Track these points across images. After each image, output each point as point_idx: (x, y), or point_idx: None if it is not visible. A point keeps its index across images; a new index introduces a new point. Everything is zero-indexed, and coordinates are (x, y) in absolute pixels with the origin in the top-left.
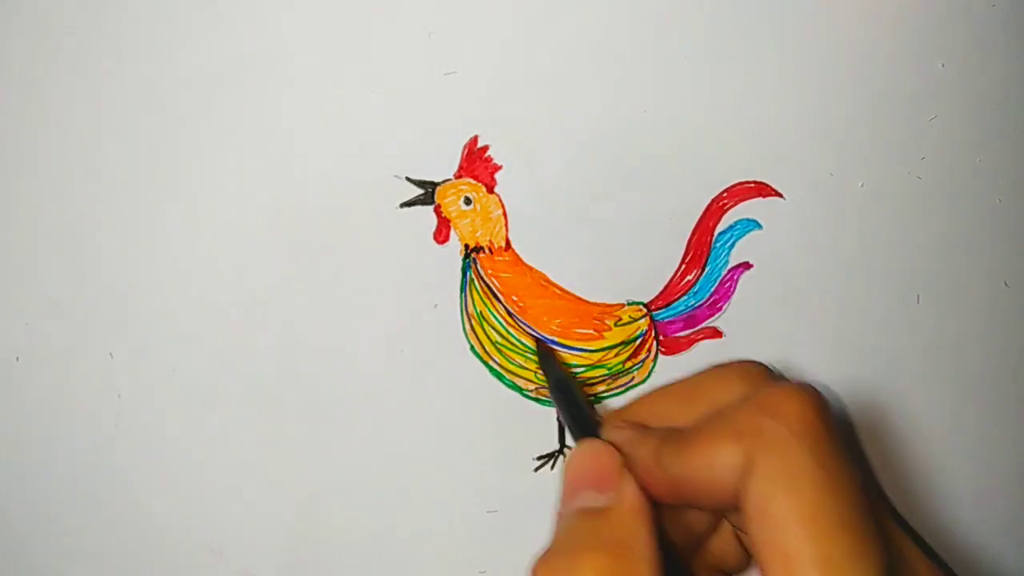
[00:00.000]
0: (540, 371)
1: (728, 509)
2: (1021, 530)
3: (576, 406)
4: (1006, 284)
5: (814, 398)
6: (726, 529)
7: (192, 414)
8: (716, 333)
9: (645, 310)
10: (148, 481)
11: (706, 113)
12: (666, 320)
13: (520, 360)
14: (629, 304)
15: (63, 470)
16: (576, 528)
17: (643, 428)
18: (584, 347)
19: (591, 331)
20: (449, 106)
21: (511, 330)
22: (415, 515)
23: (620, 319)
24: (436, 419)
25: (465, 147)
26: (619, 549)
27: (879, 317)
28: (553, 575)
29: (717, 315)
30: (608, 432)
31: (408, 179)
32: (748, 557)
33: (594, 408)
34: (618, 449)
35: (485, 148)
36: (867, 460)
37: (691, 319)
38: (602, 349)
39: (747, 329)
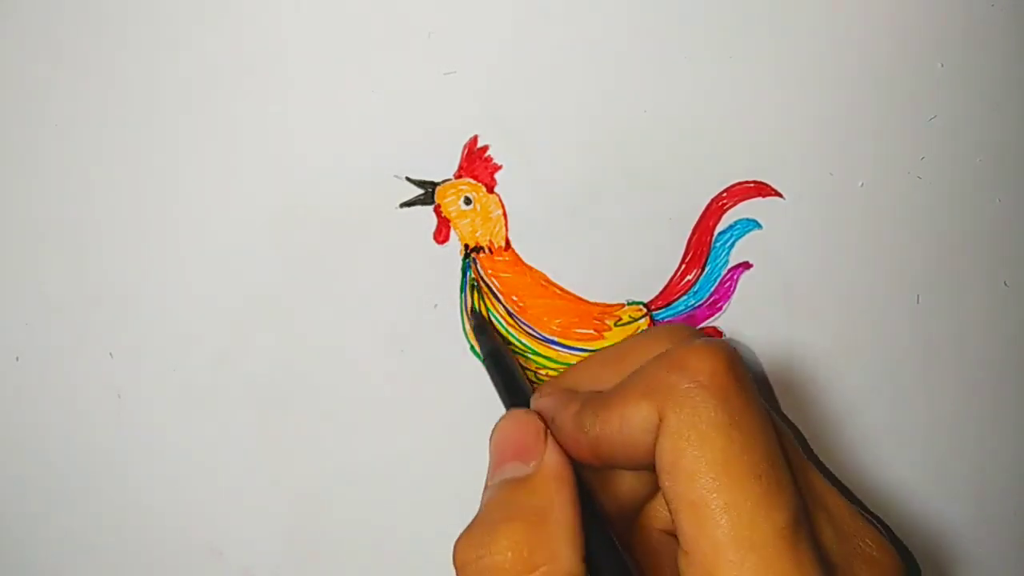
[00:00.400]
0: (475, 341)
1: (648, 467)
2: (1022, 529)
3: (508, 376)
4: (1006, 284)
5: (724, 352)
6: None
7: (192, 414)
8: (716, 333)
9: (645, 310)
10: (148, 481)
11: (706, 113)
12: (666, 320)
13: (520, 360)
14: (629, 304)
15: (63, 470)
16: (497, 499)
17: (570, 393)
18: (584, 347)
19: (591, 331)
20: (449, 106)
21: (511, 330)
22: (415, 516)
23: (620, 319)
24: (436, 419)
25: (465, 147)
26: (536, 517)
27: (879, 317)
28: (471, 549)
29: (717, 315)
30: (535, 400)
31: (408, 179)
32: None
33: (526, 379)
34: (544, 416)
35: (485, 148)
36: (784, 413)
37: (691, 319)
38: (602, 349)
39: (747, 329)
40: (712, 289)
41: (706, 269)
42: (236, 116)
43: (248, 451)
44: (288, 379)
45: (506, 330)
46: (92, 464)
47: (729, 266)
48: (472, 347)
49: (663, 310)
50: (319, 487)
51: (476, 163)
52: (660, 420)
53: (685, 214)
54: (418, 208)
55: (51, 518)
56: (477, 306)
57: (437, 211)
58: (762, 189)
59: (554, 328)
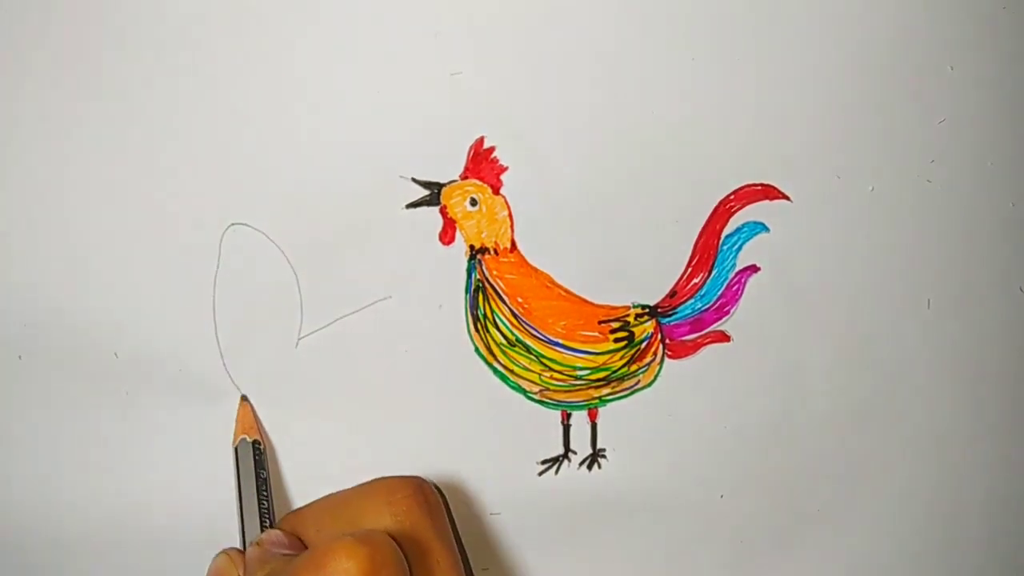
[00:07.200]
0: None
1: None
2: None
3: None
4: (1021, 290)
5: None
6: None
7: (195, 414)
8: (723, 337)
9: (650, 313)
10: (151, 479)
11: (713, 115)
12: (673, 323)
13: (524, 362)
14: (635, 306)
15: (66, 470)
16: None
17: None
18: (588, 349)
19: (596, 333)
20: (455, 107)
21: (516, 332)
22: None
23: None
24: (439, 420)
25: (471, 148)
26: None
27: (888, 322)
28: None
29: (724, 319)
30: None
31: (414, 180)
32: None
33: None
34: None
35: (491, 149)
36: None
37: (698, 322)
38: (607, 352)
39: (754, 333)
40: (719, 292)
41: (713, 272)
42: (242, 116)
43: None
44: (292, 379)
45: (511, 332)
46: (96, 464)
47: (736, 269)
48: (476, 348)
49: (669, 313)
50: (320, 487)
51: (482, 164)
52: None
53: (692, 217)
54: (424, 209)
55: (53, 518)
56: (482, 306)
57: (443, 212)
58: (770, 192)
59: (559, 330)
